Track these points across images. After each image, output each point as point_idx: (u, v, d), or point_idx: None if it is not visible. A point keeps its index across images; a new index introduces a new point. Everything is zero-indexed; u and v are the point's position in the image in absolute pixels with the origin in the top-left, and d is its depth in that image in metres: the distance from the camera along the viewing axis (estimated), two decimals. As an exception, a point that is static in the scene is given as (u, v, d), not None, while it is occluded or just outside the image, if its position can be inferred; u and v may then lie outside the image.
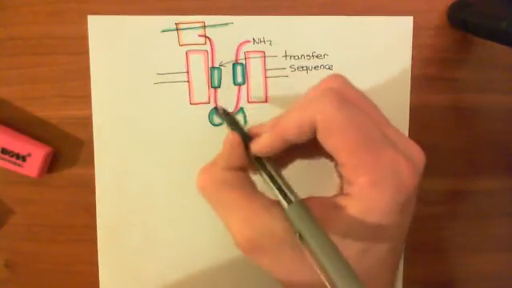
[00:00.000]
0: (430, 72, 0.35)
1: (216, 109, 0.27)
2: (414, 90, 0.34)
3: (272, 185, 0.23)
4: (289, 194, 0.23)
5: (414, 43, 0.34)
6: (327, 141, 0.22)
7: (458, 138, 0.36)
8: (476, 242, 0.37)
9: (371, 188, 0.21)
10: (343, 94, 0.23)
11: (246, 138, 0.25)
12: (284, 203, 0.23)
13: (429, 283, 0.37)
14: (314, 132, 0.22)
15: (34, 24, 0.32)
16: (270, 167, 0.24)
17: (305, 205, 0.22)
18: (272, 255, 0.22)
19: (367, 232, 0.22)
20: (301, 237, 0.21)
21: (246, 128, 0.26)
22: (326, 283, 0.20)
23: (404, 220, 0.23)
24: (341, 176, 0.25)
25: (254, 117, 0.33)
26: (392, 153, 0.22)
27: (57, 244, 0.34)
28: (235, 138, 0.24)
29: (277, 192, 0.23)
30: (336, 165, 0.26)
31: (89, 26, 0.32)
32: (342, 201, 0.22)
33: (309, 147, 0.24)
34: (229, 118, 0.26)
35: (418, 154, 0.23)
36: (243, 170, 0.25)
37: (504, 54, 0.35)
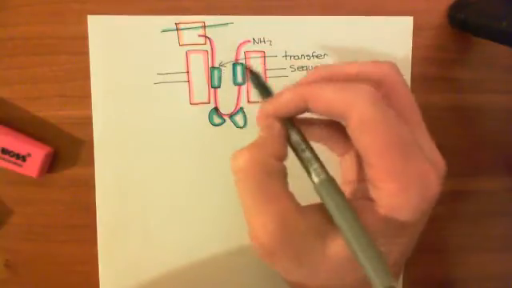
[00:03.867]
0: (430, 72, 0.35)
1: (248, 70, 0.26)
2: (414, 90, 0.34)
3: (301, 157, 0.23)
4: (320, 170, 0.22)
5: (413, 43, 0.34)
6: (359, 137, 0.21)
7: (458, 138, 0.36)
8: (476, 241, 0.37)
9: (397, 196, 0.21)
10: (388, 85, 0.23)
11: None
12: (315, 177, 0.22)
13: (429, 283, 0.37)
14: (339, 119, 0.22)
15: (34, 24, 0.31)
16: (303, 140, 0.23)
17: (335, 182, 0.22)
18: (293, 259, 0.21)
19: (387, 238, 0.22)
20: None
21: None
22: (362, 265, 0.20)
23: (420, 226, 0.23)
24: (347, 171, 0.25)
25: (254, 117, 0.33)
26: (422, 160, 0.21)
27: (57, 244, 0.34)
28: (278, 126, 0.23)
29: (311, 162, 0.22)
30: (342, 160, 0.26)
31: (89, 26, 0.32)
32: (366, 206, 0.22)
33: (317, 130, 0.24)
34: (258, 80, 0.25)
35: (440, 161, 0.23)
36: (284, 159, 0.23)
37: (504, 53, 0.35)
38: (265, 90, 0.25)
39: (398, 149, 0.21)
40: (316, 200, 0.23)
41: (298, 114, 0.24)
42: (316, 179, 0.22)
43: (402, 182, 0.21)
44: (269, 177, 0.22)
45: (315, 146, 0.24)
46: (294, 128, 0.23)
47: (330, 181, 0.22)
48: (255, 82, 0.25)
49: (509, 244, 0.37)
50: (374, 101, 0.21)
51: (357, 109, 0.21)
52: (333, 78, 0.24)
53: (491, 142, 0.36)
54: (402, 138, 0.21)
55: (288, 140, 0.23)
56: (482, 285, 0.37)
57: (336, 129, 0.24)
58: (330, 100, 0.22)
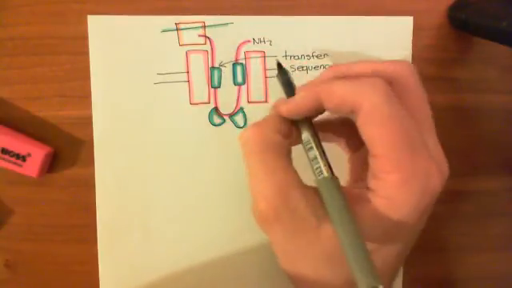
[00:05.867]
0: (430, 72, 0.35)
1: (279, 65, 0.26)
2: (414, 90, 0.34)
3: (310, 153, 0.23)
4: (325, 168, 0.23)
5: (413, 43, 0.34)
6: (368, 128, 0.22)
7: (458, 138, 0.36)
8: (476, 241, 0.37)
9: (400, 187, 0.21)
10: (401, 84, 0.23)
11: None
12: (317, 175, 0.23)
13: (429, 283, 0.37)
14: (350, 113, 0.22)
15: (34, 24, 0.31)
16: (313, 138, 0.24)
17: (338, 182, 0.22)
18: (286, 231, 0.22)
19: (385, 231, 0.22)
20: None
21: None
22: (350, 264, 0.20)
23: (420, 225, 0.23)
24: (356, 167, 0.25)
25: (254, 117, 0.33)
26: (426, 157, 0.22)
27: (57, 244, 0.34)
28: (282, 101, 0.24)
29: (316, 160, 0.23)
30: (351, 156, 0.27)
31: (89, 26, 0.32)
32: (366, 195, 0.22)
33: (328, 129, 0.25)
34: (285, 77, 0.26)
35: (445, 164, 0.23)
36: (288, 137, 0.24)
37: (504, 53, 0.35)
38: (289, 89, 0.25)
39: (405, 142, 0.21)
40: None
41: (312, 115, 0.24)
42: (318, 177, 0.23)
43: (405, 174, 0.21)
44: (270, 149, 0.23)
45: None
46: (305, 125, 0.24)
47: (331, 179, 0.22)
48: (283, 79, 0.25)
49: (509, 244, 0.37)
50: (385, 94, 0.21)
51: (368, 100, 0.21)
52: (346, 76, 0.24)
53: (491, 142, 0.36)
54: (410, 132, 0.21)
55: (299, 137, 0.24)
56: (481, 284, 0.37)
57: (345, 128, 0.25)
58: (342, 94, 0.22)
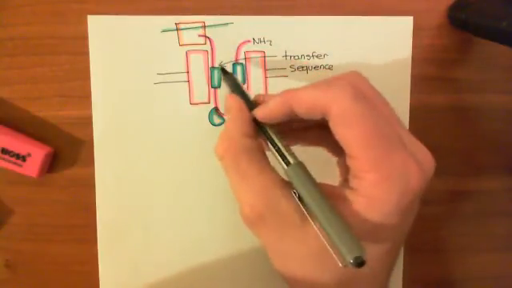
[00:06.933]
0: (430, 72, 0.35)
1: (223, 70, 0.27)
2: (414, 90, 0.34)
3: (273, 147, 0.24)
4: (288, 157, 0.23)
5: (414, 43, 0.34)
6: (340, 130, 0.22)
7: (458, 138, 0.36)
8: (476, 241, 0.37)
9: (379, 186, 0.21)
10: (360, 89, 0.23)
11: (250, 103, 0.25)
12: (283, 164, 0.23)
13: (429, 283, 0.37)
14: (322, 117, 0.22)
15: (34, 24, 0.31)
16: (271, 131, 0.25)
17: (303, 166, 0.23)
18: (273, 231, 0.23)
19: (368, 230, 0.22)
20: (300, 198, 0.22)
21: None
22: (327, 244, 0.21)
23: (405, 223, 0.23)
24: (344, 170, 0.25)
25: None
26: (403, 154, 0.22)
27: (57, 244, 0.34)
28: (237, 101, 0.25)
29: (277, 154, 0.24)
30: (339, 160, 0.27)
31: (89, 26, 0.32)
32: (347, 194, 0.22)
33: (311, 134, 0.25)
34: (231, 80, 0.26)
35: (427, 158, 0.23)
36: (255, 137, 0.25)
37: (504, 53, 0.35)
38: (240, 91, 0.26)
39: (380, 140, 0.21)
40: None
41: (284, 120, 0.24)
42: (285, 166, 0.23)
43: (384, 171, 0.21)
44: (242, 154, 0.23)
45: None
46: (264, 124, 0.25)
47: (296, 165, 0.23)
48: (231, 84, 0.26)
49: (509, 244, 0.37)
50: (353, 95, 0.22)
51: (337, 103, 0.22)
52: (313, 82, 0.25)
53: (491, 142, 0.36)
54: (384, 130, 0.22)
55: (264, 135, 0.25)
56: (481, 285, 0.37)
57: (325, 132, 0.25)
58: (311, 100, 0.23)
